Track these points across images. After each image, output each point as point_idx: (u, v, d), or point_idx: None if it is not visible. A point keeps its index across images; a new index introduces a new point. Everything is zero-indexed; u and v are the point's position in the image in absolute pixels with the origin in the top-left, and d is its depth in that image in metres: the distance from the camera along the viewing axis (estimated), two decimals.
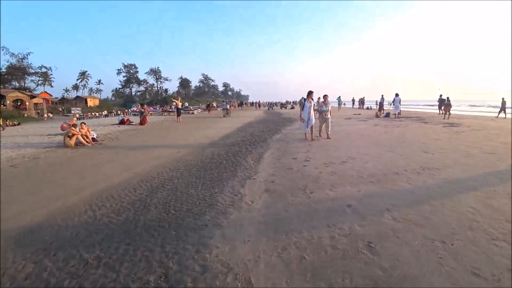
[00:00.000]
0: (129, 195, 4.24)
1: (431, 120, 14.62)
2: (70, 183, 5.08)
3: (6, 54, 53.36)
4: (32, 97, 46.76)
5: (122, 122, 16.84)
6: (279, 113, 27.74)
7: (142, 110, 16.26)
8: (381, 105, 21.96)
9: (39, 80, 59.04)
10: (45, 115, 39.52)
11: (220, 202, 3.71)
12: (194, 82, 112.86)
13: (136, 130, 13.37)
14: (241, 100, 73.53)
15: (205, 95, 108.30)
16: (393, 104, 18.09)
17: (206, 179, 4.83)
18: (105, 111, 36.86)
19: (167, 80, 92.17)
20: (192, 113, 31.42)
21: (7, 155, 8.13)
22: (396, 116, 17.35)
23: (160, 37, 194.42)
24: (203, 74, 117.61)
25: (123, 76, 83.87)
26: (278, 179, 4.60)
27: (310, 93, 8.68)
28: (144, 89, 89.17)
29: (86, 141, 9.34)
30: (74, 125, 9.40)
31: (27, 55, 54.47)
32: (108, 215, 3.54)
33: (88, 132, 9.70)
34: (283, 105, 49.79)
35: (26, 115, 40.07)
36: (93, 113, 38.19)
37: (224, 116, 23.90)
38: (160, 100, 71.19)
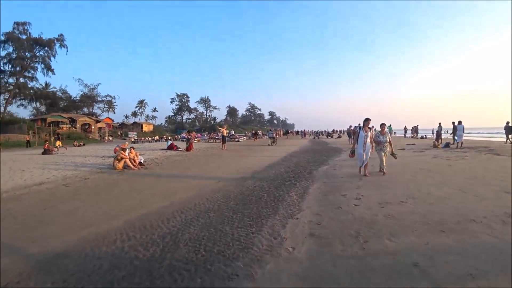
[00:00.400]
0: (162, 226, 3.96)
1: (502, 150, 12.49)
2: (108, 208, 5.03)
3: (81, 85, 61.18)
4: (97, 121, 52.03)
5: (170, 148, 17.47)
6: (325, 143, 26.82)
7: (189, 137, 16.74)
8: (438, 134, 20.04)
9: (104, 107, 65.84)
10: (106, 138, 43.31)
11: (256, 245, 3.21)
12: (241, 111, 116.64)
13: (181, 156, 13.64)
14: (286, 129, 73.55)
15: (251, 124, 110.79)
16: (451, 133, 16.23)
17: (244, 214, 4.39)
18: (157, 136, 39.11)
19: (216, 108, 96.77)
20: (238, 141, 31.86)
21: (64, 174, 8.65)
22: (458, 146, 15.46)
23: (211, 67, 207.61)
24: (249, 103, 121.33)
25: (176, 105, 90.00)
26: (325, 220, 3.98)
27: (366, 121, 7.27)
28: (194, 116, 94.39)
29: (133, 165, 9.61)
30: (123, 149, 9.78)
31: (96, 86, 61.70)
32: (136, 248, 3.27)
33: (136, 157, 10.01)
34: (329, 134, 48.48)
35: (91, 137, 44.45)
36: (146, 138, 40.86)
37: (270, 144, 23.82)
38: (209, 127, 74.31)
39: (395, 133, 38.48)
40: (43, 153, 16.15)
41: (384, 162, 7.40)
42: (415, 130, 34.78)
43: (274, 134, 27.20)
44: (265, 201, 5.18)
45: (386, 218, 3.99)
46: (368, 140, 7.20)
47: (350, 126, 23.63)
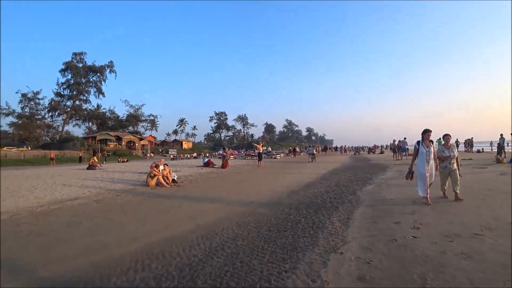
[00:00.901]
0: (182, 255, 3.46)
1: None
2: (131, 228, 4.71)
3: (127, 105, 65.81)
4: (141, 139, 54.83)
5: (206, 164, 17.38)
6: (367, 159, 25.09)
7: (224, 154, 16.51)
8: (500, 146, 17.68)
9: (147, 126, 69.63)
10: (148, 155, 45.30)
11: None
12: (279, 127, 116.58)
13: (216, 174, 13.34)
14: (325, 145, 71.42)
15: (288, 140, 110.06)
16: None
17: (277, 245, 3.73)
18: (195, 153, 39.93)
19: (253, 125, 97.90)
20: (275, 158, 31.22)
21: (98, 190, 8.69)
22: None
23: (247, 85, 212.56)
24: (287, 120, 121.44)
25: (214, 123, 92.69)
26: (377, 257, 3.17)
27: (426, 133, 5.81)
28: (232, 134, 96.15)
29: (166, 182, 9.42)
30: (157, 166, 9.67)
31: (141, 106, 65.74)
32: (147, 281, 2.80)
33: (169, 174, 9.84)
34: (370, 150, 45.85)
35: (134, 153, 46.77)
36: (185, 155, 41.92)
37: (310, 161, 23.18)
38: (246, 144, 74.89)
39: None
40: (88, 168, 16.93)
41: (458, 182, 5.90)
42: (469, 143, 31.52)
43: (314, 151, 26.22)
44: (303, 227, 4.47)
45: (459, 257, 3.08)
46: (432, 156, 5.80)
47: (394, 141, 21.79)
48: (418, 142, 5.93)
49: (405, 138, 21.92)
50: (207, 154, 37.05)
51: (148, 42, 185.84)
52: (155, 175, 9.30)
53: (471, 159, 17.79)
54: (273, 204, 6.29)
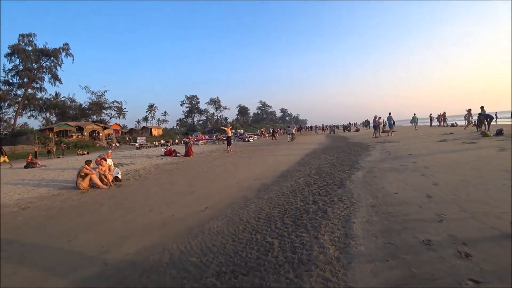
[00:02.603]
0: None
1: None
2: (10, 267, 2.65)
3: (88, 92, 60.32)
4: (105, 128, 50.87)
5: (168, 153, 15.21)
6: (344, 137, 23.87)
7: (187, 140, 14.32)
8: (480, 120, 16.96)
9: (113, 114, 64.93)
10: (113, 144, 41.84)
11: None
12: (253, 109, 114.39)
13: (176, 164, 11.25)
14: (299, 125, 70.47)
15: (263, 122, 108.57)
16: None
17: None
18: (162, 140, 37.13)
19: (226, 108, 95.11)
20: (248, 141, 29.35)
21: (20, 196, 6.53)
22: None
23: (218, 66, 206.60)
24: (260, 101, 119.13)
25: (186, 107, 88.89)
26: None
27: None
28: (205, 118, 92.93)
29: (104, 182, 7.32)
30: (104, 159, 7.50)
31: (104, 92, 60.78)
32: None
33: (108, 171, 7.70)
34: (346, 128, 45.25)
35: (98, 144, 43.14)
36: (154, 142, 38.98)
37: (289, 141, 23.87)
38: (220, 128, 72.45)
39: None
40: (25, 167, 14.18)
41: None
42: (442, 117, 31.26)
43: (293, 131, 25.43)
44: (276, 259, 2.67)
45: None
46: None
47: (376, 117, 20.44)
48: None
49: (390, 114, 20.73)
50: (169, 141, 34.48)
51: (108, 22, 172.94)
52: (86, 174, 7.14)
53: (452, 133, 16.91)
54: (236, 210, 4.44)
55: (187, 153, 13.77)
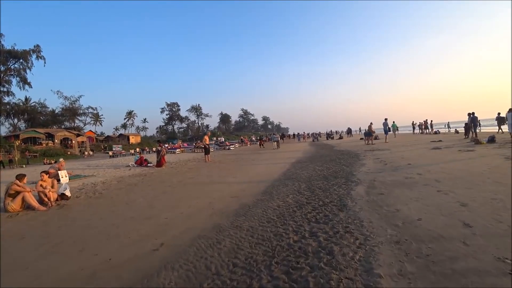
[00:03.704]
0: None
1: None
2: None
3: (60, 97, 56.84)
4: (78, 135, 47.95)
5: (139, 163, 13.61)
6: (329, 146, 22.96)
7: (159, 148, 12.78)
8: (468, 126, 16.53)
9: (88, 120, 61.70)
10: (86, 153, 39.26)
11: None
12: (234, 117, 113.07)
13: (143, 177, 9.71)
14: (282, 133, 69.65)
15: (245, 129, 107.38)
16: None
17: None
18: (138, 148, 34.95)
19: (208, 116, 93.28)
20: (228, 149, 27.97)
21: None
22: None
23: (199, 74, 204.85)
24: (242, 109, 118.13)
25: (166, 114, 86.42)
26: None
27: None
28: (186, 125, 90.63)
29: (45, 200, 5.80)
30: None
31: (78, 98, 57.59)
32: None
33: (49, 188, 6.16)
34: (329, 136, 44.69)
35: (69, 152, 40.29)
36: (130, 150, 36.76)
37: (275, 148, 24.70)
38: (201, 136, 70.59)
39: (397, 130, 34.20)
40: None
41: None
42: (425, 125, 31.17)
43: (279, 138, 26.23)
44: None
45: None
46: None
47: (371, 124, 19.28)
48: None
49: (386, 119, 19.81)
50: (146, 149, 32.59)
51: (88, 24, 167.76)
52: (18, 192, 5.60)
53: (440, 140, 16.32)
54: (200, 254, 3.12)
55: (159, 163, 12.25)
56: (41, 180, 6.15)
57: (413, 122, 35.35)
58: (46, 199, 5.86)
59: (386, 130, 19.37)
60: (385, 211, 3.91)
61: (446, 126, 34.62)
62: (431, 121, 30.78)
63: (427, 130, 30.75)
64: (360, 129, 52.35)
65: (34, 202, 5.62)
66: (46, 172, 6.62)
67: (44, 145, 41.46)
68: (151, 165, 12.81)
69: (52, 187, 6.25)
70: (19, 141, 39.34)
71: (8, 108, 51.31)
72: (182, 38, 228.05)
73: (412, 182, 5.62)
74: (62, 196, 6.41)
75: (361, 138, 28.93)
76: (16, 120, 54.48)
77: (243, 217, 4.27)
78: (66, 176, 9.51)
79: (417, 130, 34.08)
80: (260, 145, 29.91)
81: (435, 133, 28.59)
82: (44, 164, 25.12)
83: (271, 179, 7.79)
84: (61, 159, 10.07)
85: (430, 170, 6.79)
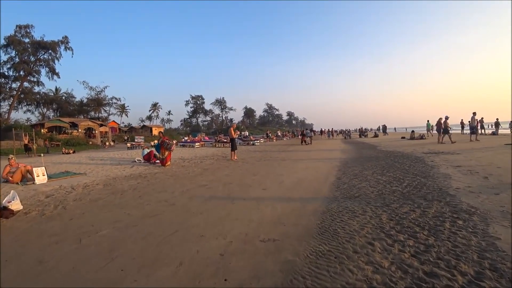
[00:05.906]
0: None
1: None
2: None
3: (86, 88, 56.89)
4: (102, 125, 47.51)
5: (147, 159, 11.44)
6: (369, 144, 19.80)
7: (168, 142, 10.40)
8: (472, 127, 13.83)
9: (113, 111, 61.58)
10: (107, 143, 38.39)
11: None
12: (259, 112, 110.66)
13: (140, 180, 7.34)
14: (311, 128, 65.95)
15: (269, 124, 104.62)
16: None
17: None
18: (156, 141, 33.20)
19: (232, 109, 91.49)
20: (253, 144, 25.43)
21: None
22: None
23: (227, 68, 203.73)
24: (267, 104, 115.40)
25: (191, 107, 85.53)
26: None
27: None
28: (210, 118, 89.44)
29: None
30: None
31: (104, 88, 57.39)
32: None
33: None
34: (362, 133, 41.01)
35: (91, 142, 39.66)
36: (151, 142, 35.35)
37: (307, 143, 23.64)
38: (225, 129, 68.77)
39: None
40: None
41: None
42: (481, 124, 26.70)
43: (312, 134, 26.46)
44: None
45: None
46: None
47: (441, 119, 15.78)
48: None
49: (474, 113, 16.20)
50: (154, 143, 30.76)
51: (110, 14, 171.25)
52: None
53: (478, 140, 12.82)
54: None
55: (164, 161, 9.95)
56: None
57: (461, 120, 30.95)
58: None
59: (447, 129, 15.78)
60: None
61: (492, 125, 29.68)
62: (482, 118, 26.31)
63: (483, 130, 26.43)
64: (395, 128, 47.97)
65: None
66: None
67: (68, 134, 41.15)
68: (159, 162, 10.50)
69: None
70: (45, 130, 39.24)
71: (37, 97, 52.07)
72: (215, 33, 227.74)
73: None
74: (3, 210, 4.19)
75: (402, 137, 25.50)
76: (45, 110, 55.37)
77: None
78: (44, 175, 7.42)
79: (467, 130, 29.62)
80: (302, 141, 24.57)
81: (493, 134, 24.52)
82: (63, 153, 23.98)
83: (320, 194, 5.15)
84: (10, 155, 7.95)
85: None
